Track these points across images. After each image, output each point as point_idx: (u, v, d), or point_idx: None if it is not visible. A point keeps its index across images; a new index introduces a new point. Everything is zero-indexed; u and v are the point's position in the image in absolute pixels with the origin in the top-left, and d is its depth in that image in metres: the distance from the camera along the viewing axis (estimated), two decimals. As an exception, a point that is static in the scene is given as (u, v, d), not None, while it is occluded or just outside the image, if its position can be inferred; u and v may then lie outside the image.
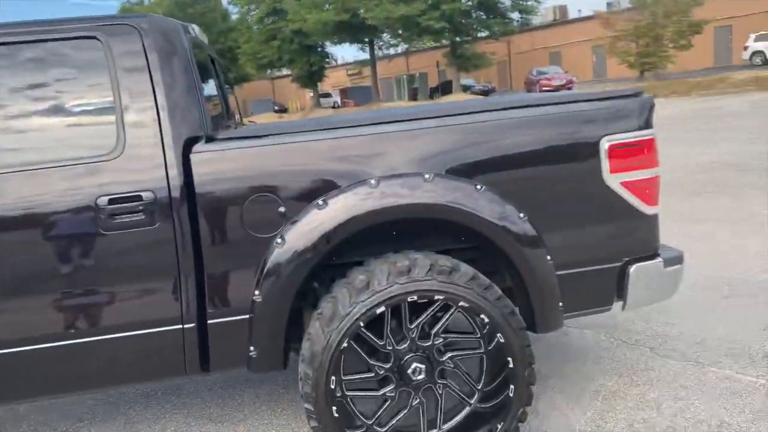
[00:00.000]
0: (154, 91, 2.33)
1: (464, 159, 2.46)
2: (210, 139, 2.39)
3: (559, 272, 2.51)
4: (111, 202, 2.24)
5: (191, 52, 2.51)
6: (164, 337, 2.34)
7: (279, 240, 2.32)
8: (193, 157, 2.31)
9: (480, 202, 2.41)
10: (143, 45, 2.35)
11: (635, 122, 2.55)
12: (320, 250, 2.34)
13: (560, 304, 2.54)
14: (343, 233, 2.34)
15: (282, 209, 2.33)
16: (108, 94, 2.33)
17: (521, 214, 2.45)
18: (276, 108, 51.20)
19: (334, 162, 2.39)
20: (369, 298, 2.28)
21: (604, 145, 2.49)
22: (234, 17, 49.38)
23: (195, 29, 2.85)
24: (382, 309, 2.28)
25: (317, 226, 2.32)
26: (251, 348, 2.39)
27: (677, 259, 2.70)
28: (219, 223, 2.32)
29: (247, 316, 2.37)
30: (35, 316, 2.27)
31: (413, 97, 45.89)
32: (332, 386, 2.32)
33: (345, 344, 2.29)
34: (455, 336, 2.47)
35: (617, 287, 2.63)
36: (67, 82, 2.35)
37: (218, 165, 2.33)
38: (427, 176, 2.39)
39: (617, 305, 2.71)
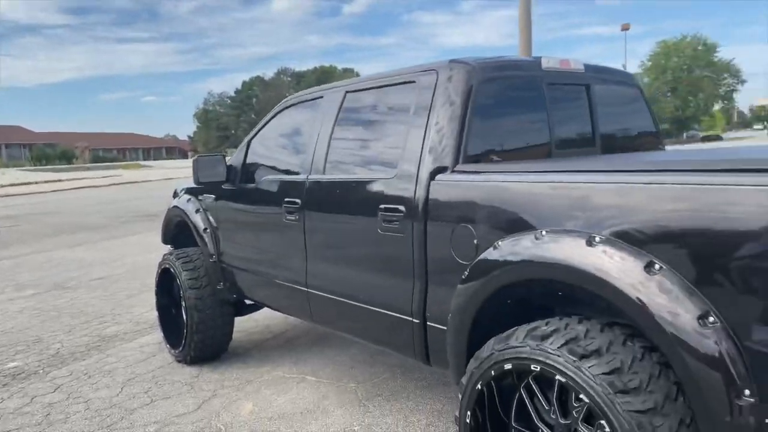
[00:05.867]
0: None
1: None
2: None
3: None
4: None
5: None
6: None
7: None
8: None
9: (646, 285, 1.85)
10: None
11: None
12: (488, 287, 2.37)
13: None
14: (505, 277, 2.32)
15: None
16: None
17: (711, 319, 1.75)
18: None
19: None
20: (501, 351, 2.19)
21: None
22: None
23: None
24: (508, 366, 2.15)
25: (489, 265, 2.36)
26: None
27: None
28: None
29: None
30: None
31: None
32: (467, 421, 2.31)
33: (478, 386, 2.26)
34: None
35: None
36: None
37: None
38: (597, 237, 2.02)
39: None
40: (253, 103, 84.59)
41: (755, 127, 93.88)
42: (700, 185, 1.83)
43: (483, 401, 2.29)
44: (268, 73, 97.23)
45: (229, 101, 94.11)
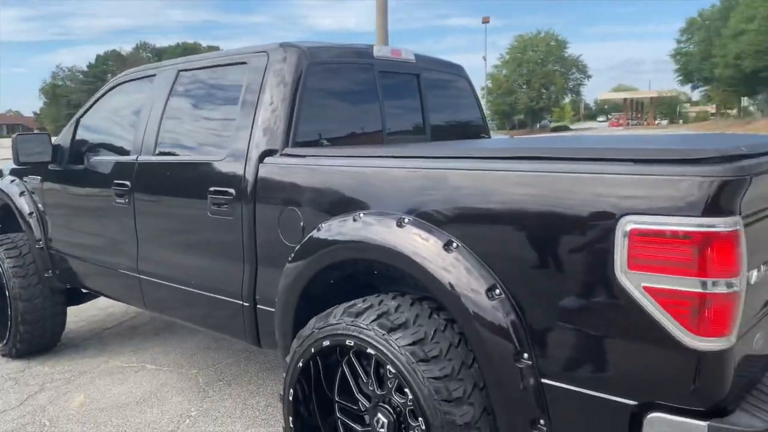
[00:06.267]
0: None
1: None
2: None
3: (547, 381, 1.88)
4: None
5: None
6: None
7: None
8: None
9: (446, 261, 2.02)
10: None
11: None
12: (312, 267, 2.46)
13: (541, 422, 1.89)
14: (328, 257, 2.41)
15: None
16: None
17: (497, 291, 1.94)
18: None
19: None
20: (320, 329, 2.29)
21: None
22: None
23: None
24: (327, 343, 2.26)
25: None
26: None
27: None
28: None
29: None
30: None
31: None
32: (290, 398, 2.40)
33: (300, 363, 2.36)
34: None
35: None
36: None
37: None
38: (406, 219, 2.16)
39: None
40: (108, 79, 79.02)
41: (599, 119, 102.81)
42: (487, 171, 2.01)
43: (307, 378, 2.38)
44: (126, 48, 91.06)
45: (81, 76, 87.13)
